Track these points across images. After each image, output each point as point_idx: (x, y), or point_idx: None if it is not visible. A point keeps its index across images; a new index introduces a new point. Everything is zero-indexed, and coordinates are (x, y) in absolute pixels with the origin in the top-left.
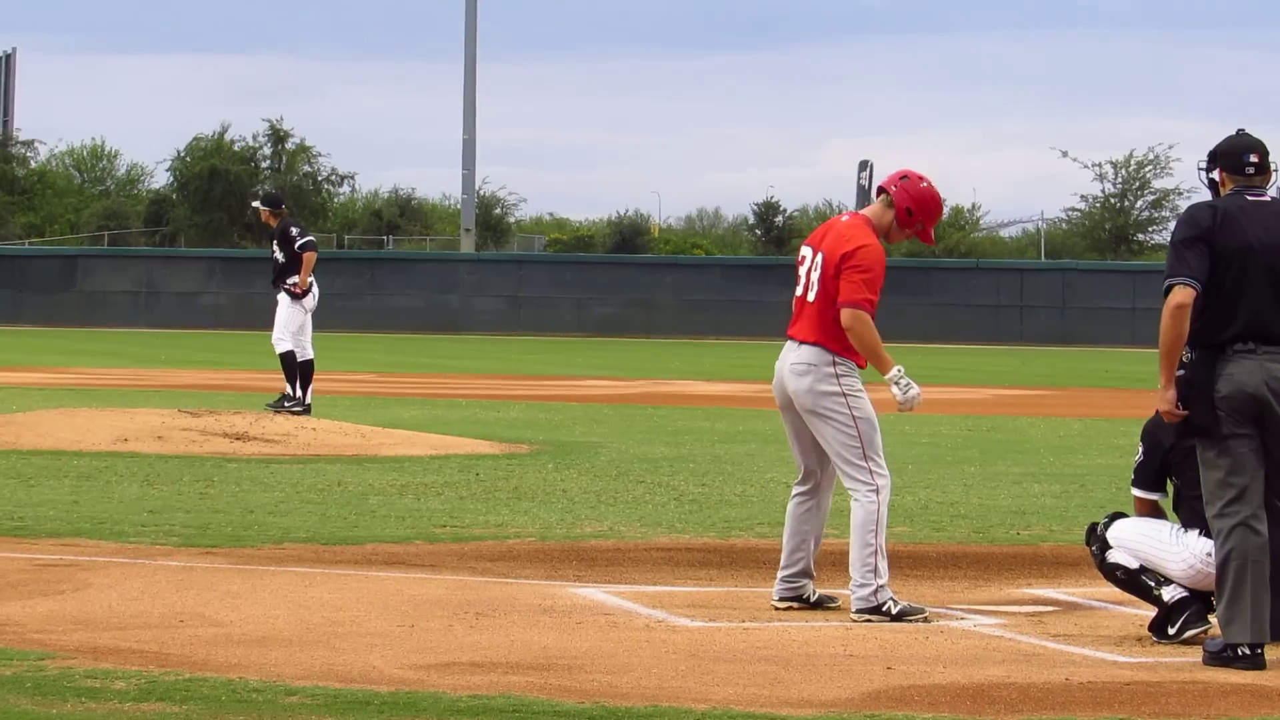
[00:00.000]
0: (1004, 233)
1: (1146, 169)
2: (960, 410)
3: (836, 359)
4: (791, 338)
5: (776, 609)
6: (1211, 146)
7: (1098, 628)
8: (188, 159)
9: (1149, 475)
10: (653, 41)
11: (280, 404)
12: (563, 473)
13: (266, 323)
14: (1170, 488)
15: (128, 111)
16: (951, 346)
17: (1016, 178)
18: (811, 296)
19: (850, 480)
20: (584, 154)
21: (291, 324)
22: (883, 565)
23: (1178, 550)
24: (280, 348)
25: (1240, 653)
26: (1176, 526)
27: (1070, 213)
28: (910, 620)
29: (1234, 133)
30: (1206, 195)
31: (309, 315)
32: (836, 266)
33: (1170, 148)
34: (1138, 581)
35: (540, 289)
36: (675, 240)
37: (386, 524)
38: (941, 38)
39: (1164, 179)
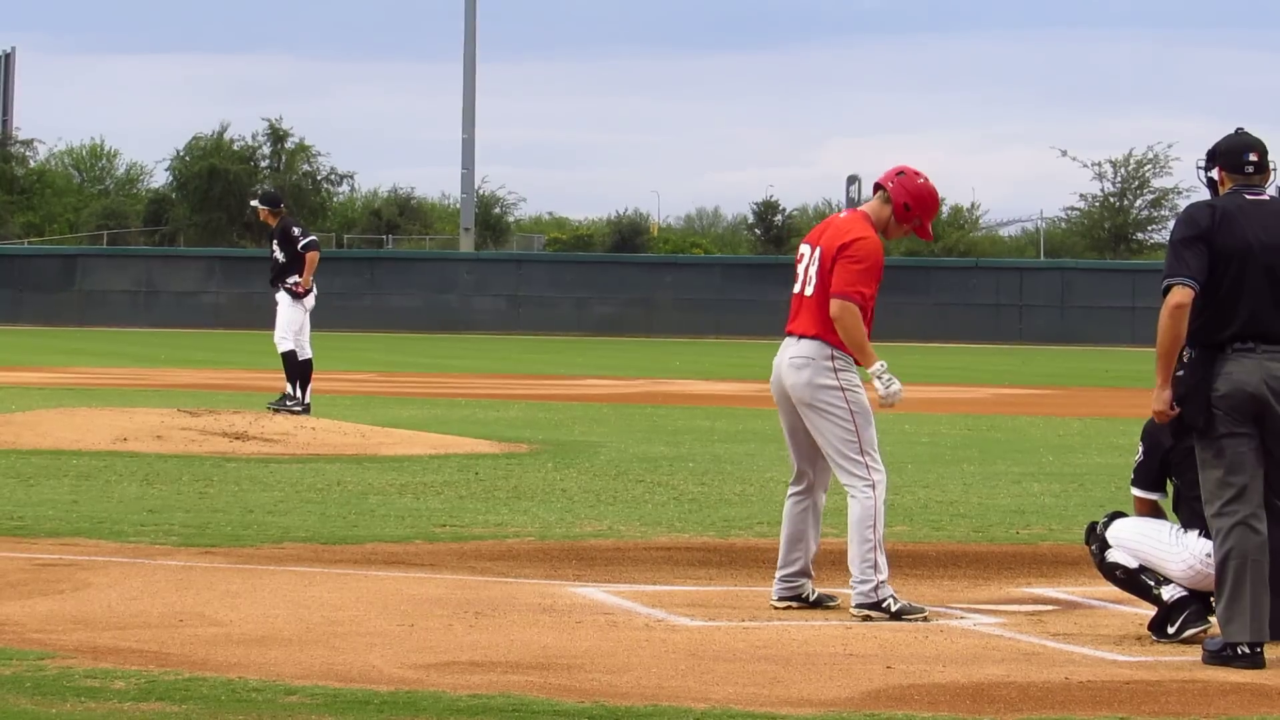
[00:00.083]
0: (1003, 232)
1: (1146, 168)
2: (960, 410)
3: (835, 353)
4: (790, 333)
5: (776, 608)
6: (1210, 145)
7: (1097, 627)
8: (187, 158)
9: (1149, 475)
10: (653, 41)
11: (281, 403)
12: (562, 472)
13: (266, 322)
14: (1170, 488)
15: (127, 111)
16: (951, 346)
17: (1016, 177)
18: (810, 291)
19: (846, 476)
20: (584, 154)
21: (294, 324)
22: (882, 561)
23: (1177, 551)
24: (283, 347)
25: (1240, 652)
26: (1176, 527)
27: (1070, 212)
28: (909, 619)
29: (1233, 131)
30: (1206, 194)
31: (307, 314)
32: (833, 259)
33: (1169, 147)
34: (1137, 581)
35: (540, 288)
36: (675, 240)
37: (386, 523)
38: (941, 38)
39: (1163, 178)
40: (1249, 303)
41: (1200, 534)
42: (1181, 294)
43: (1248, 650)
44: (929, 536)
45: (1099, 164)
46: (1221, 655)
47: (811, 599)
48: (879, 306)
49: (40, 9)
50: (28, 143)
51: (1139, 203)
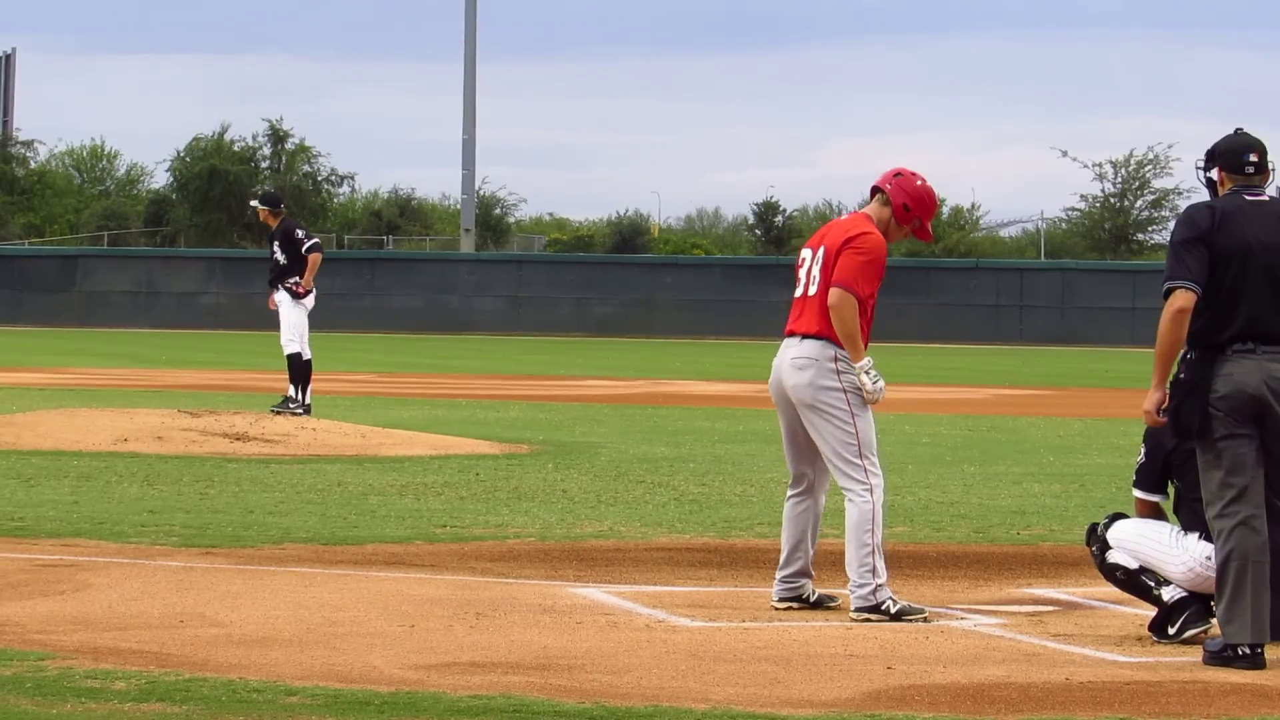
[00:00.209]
0: (1004, 232)
1: (1146, 169)
2: (960, 410)
3: (839, 354)
4: (791, 333)
5: (776, 609)
6: (1210, 146)
7: (1098, 627)
8: (187, 159)
9: (1150, 477)
10: (653, 41)
11: (284, 406)
12: (563, 473)
13: (266, 323)
14: (1171, 490)
15: (128, 111)
16: (951, 346)
17: (1016, 178)
18: (813, 290)
19: (845, 479)
20: (584, 154)
21: (298, 325)
22: (880, 564)
23: (1177, 553)
24: (289, 349)
25: (1240, 652)
26: (1177, 529)
27: (1070, 212)
28: (910, 620)
29: (1232, 131)
30: (1207, 195)
31: (306, 315)
32: (838, 252)
33: (1170, 147)
34: (1137, 581)
35: (540, 289)
36: (675, 240)
37: (386, 524)
38: (941, 38)
39: (1164, 179)
40: (1249, 304)
41: (1201, 536)
42: (1183, 298)
43: (1248, 651)
44: (929, 537)
45: (1099, 164)
46: (1222, 656)
47: (812, 600)
48: (879, 307)
49: (40, 9)
50: (28, 143)
51: (1139, 203)
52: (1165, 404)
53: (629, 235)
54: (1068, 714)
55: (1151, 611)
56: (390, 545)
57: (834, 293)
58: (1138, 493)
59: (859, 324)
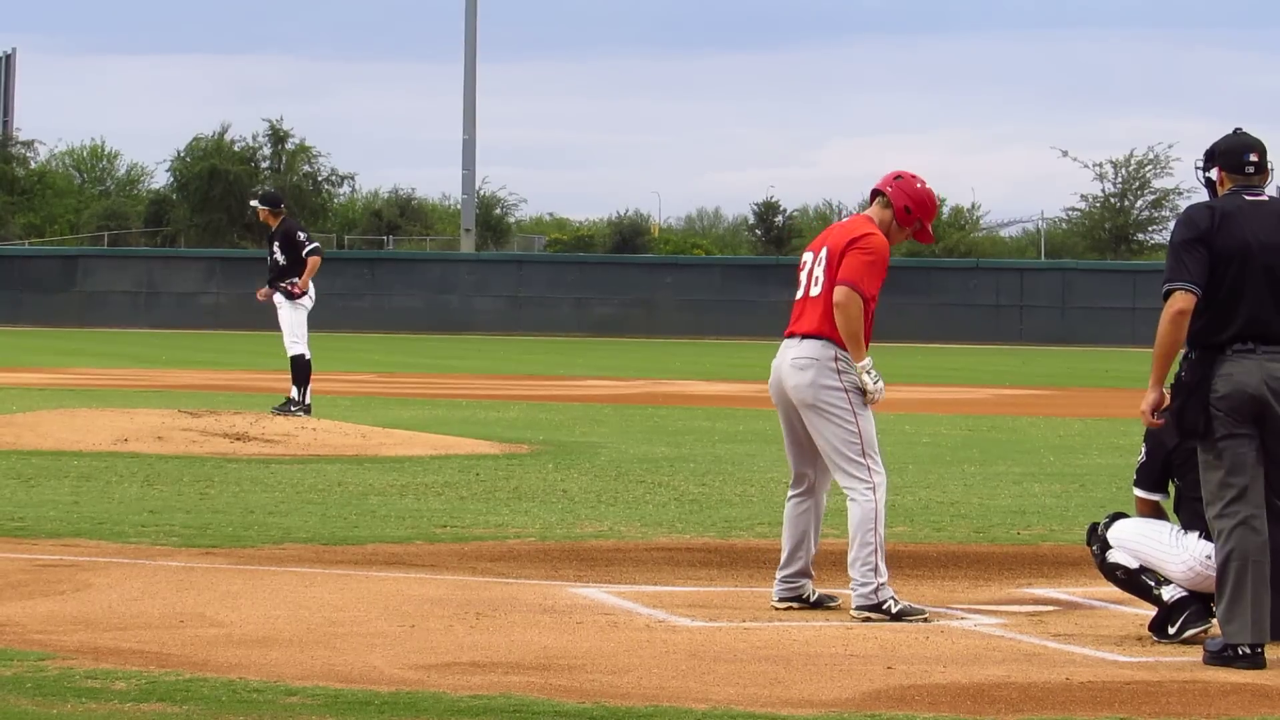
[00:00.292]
0: (1004, 232)
1: (1146, 169)
2: (960, 410)
3: (839, 353)
4: (792, 334)
5: (776, 609)
6: (1209, 146)
7: (1098, 627)
8: (187, 159)
9: (1151, 476)
10: (653, 41)
11: (285, 408)
12: (563, 473)
13: (266, 323)
14: (1172, 489)
15: (128, 111)
16: (951, 346)
17: (1016, 177)
18: (816, 291)
19: (847, 479)
20: (584, 154)
21: (299, 326)
22: (882, 565)
23: (1178, 552)
24: (293, 351)
25: (1240, 652)
26: (1177, 528)
27: (1070, 212)
28: (910, 620)
29: (1232, 131)
30: (1206, 195)
31: (306, 315)
32: (842, 252)
33: (1170, 147)
34: (1138, 581)
35: (540, 289)
36: (675, 240)
37: (387, 524)
38: (941, 38)
39: (1164, 179)
40: (1249, 303)
41: (1201, 536)
42: (1183, 300)
43: (1248, 651)
44: (930, 537)
45: (1099, 164)
46: (1222, 656)
47: (812, 599)
48: (880, 307)
49: (40, 9)
50: (28, 144)
51: (1139, 203)
52: (1162, 405)
53: (629, 235)
54: (1068, 714)
55: (1151, 611)
56: (390, 545)
57: (840, 290)
58: (1138, 492)
59: (861, 321)
